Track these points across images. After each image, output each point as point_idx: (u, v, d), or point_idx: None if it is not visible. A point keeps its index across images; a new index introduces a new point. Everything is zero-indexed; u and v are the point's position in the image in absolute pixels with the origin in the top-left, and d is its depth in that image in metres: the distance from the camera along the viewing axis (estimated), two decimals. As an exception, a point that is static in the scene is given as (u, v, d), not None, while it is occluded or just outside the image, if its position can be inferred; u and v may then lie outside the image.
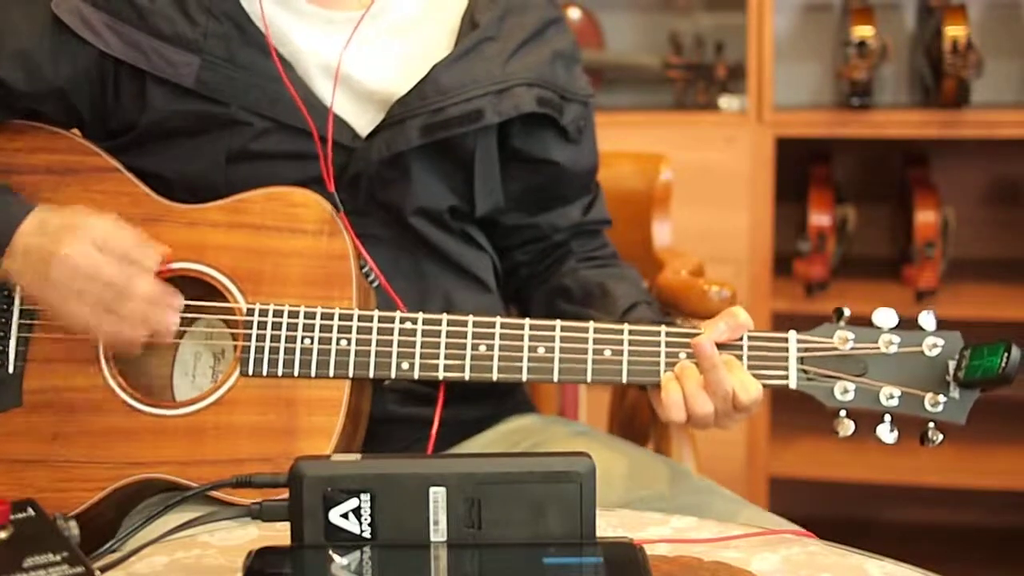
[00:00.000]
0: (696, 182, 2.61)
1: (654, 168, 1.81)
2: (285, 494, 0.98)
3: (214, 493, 1.17)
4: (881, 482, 2.87)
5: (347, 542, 0.96)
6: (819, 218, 2.81)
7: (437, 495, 0.97)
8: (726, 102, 2.84)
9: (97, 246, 1.25)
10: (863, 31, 2.74)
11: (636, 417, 1.72)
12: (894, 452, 2.81)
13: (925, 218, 2.76)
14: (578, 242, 1.52)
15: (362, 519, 0.97)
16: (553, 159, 1.46)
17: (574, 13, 2.97)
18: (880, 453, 2.86)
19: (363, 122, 1.37)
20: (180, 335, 1.34)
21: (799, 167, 2.89)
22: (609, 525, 1.11)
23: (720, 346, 1.24)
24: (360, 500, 0.96)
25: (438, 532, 0.97)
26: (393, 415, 1.38)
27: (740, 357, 1.25)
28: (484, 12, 1.41)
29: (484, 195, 1.44)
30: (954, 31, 2.68)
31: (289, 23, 1.37)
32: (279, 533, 1.00)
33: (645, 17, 3.08)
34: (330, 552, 0.96)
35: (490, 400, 1.49)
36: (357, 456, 1.01)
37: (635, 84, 3.04)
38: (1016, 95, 2.93)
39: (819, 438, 2.88)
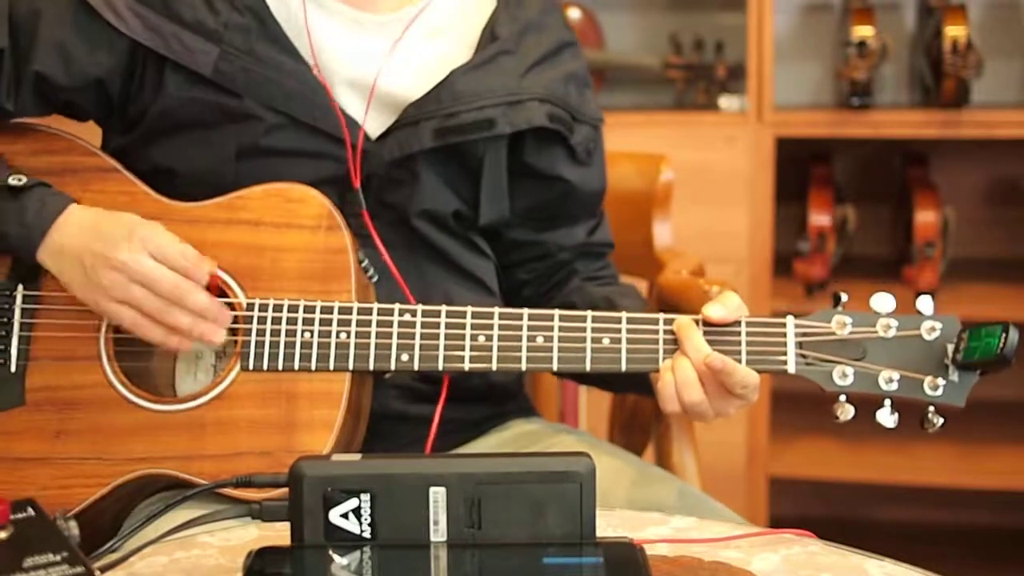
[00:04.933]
0: (696, 182, 2.61)
1: (654, 168, 1.81)
2: (285, 493, 0.98)
3: (214, 491, 1.18)
4: (881, 482, 2.87)
5: (347, 542, 0.97)
6: (819, 218, 2.81)
7: (437, 495, 0.97)
8: (726, 102, 2.84)
9: (154, 257, 1.26)
10: (863, 31, 2.75)
11: (637, 418, 1.72)
12: (894, 452, 2.82)
13: (925, 218, 2.76)
14: (582, 263, 1.52)
15: (362, 519, 0.97)
16: (563, 176, 1.47)
17: (574, 13, 2.97)
18: (880, 453, 2.86)
19: (375, 124, 1.38)
20: None
21: (799, 167, 2.90)
22: (609, 525, 1.11)
23: (718, 333, 1.25)
24: (360, 500, 0.96)
25: (438, 532, 0.97)
26: (395, 412, 1.38)
27: (738, 343, 1.25)
28: (504, 26, 1.43)
29: (489, 204, 1.44)
30: (954, 31, 2.68)
31: (314, 19, 1.38)
32: (279, 533, 1.00)
33: (645, 17, 3.08)
34: (330, 552, 0.96)
35: (491, 400, 1.49)
36: (357, 456, 1.01)
37: (635, 84, 3.04)
38: (1016, 95, 2.93)
39: (819, 438, 2.88)
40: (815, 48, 3.00)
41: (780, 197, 2.73)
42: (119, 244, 1.26)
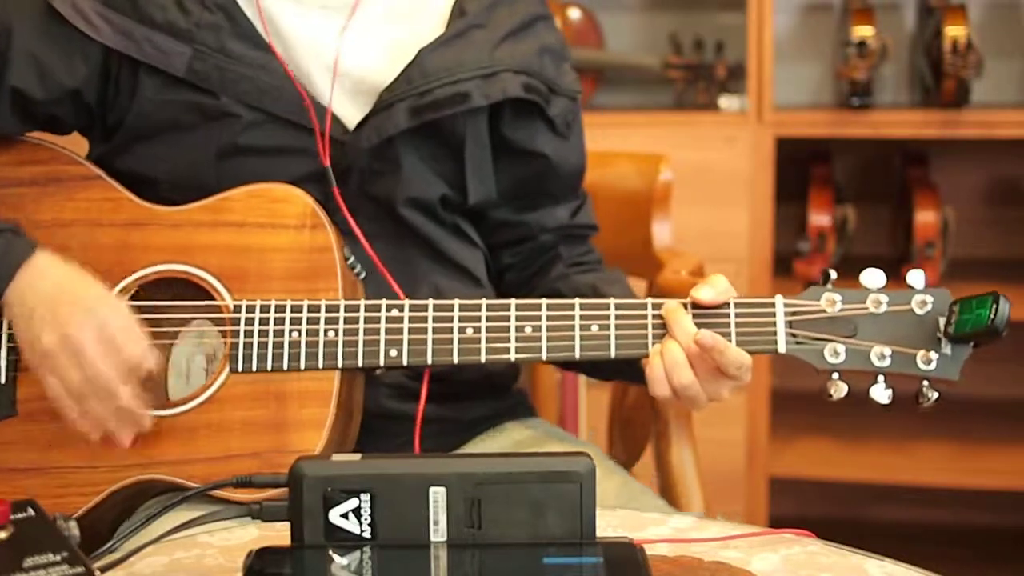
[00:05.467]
0: (696, 182, 2.61)
1: (654, 168, 1.81)
2: (285, 493, 0.98)
3: (214, 492, 1.17)
4: (881, 482, 2.87)
5: (347, 542, 0.97)
6: (819, 218, 2.81)
7: (437, 495, 0.97)
8: (726, 102, 2.84)
9: (103, 339, 1.23)
10: (863, 31, 2.75)
11: (636, 418, 1.72)
12: (894, 452, 2.82)
13: (925, 218, 2.77)
14: (566, 247, 1.52)
15: (362, 519, 0.97)
16: (541, 151, 1.45)
17: (574, 13, 2.97)
18: (880, 453, 2.86)
19: (353, 114, 1.37)
20: (174, 336, 1.34)
21: (799, 167, 2.90)
22: (609, 525, 1.11)
23: (708, 316, 1.24)
24: (360, 500, 0.96)
25: (438, 532, 0.97)
26: (388, 410, 1.38)
27: (728, 325, 1.24)
28: (473, 2, 1.42)
29: (476, 182, 1.43)
30: (954, 31, 2.69)
31: (282, 10, 1.37)
32: (279, 533, 1.00)
33: (645, 17, 3.08)
34: (330, 552, 0.96)
35: (488, 399, 1.48)
36: (357, 456, 1.01)
37: (635, 84, 3.04)
38: (1016, 95, 2.93)
39: (819, 438, 2.88)
40: (815, 48, 3.00)
41: (780, 197, 2.73)
42: (73, 314, 1.23)
